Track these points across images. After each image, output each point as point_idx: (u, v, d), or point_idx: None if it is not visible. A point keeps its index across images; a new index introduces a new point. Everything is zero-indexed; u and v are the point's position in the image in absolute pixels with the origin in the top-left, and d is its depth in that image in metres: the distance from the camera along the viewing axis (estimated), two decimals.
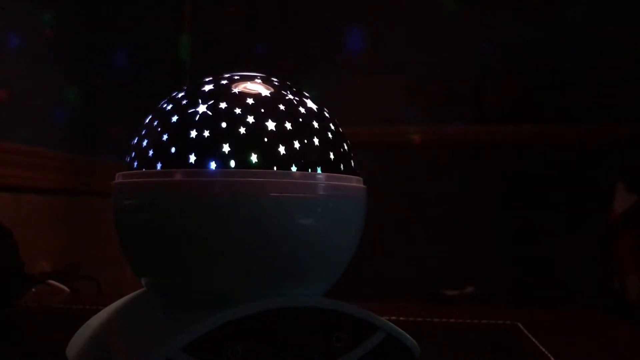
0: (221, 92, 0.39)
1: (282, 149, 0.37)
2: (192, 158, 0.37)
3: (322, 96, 0.43)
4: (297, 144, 0.38)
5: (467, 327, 0.64)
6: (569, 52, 1.76)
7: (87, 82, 1.50)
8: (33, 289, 0.79)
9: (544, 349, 0.53)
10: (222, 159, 0.36)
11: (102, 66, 1.56)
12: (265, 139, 0.37)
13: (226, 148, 0.37)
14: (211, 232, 0.36)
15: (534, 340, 0.57)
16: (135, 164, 0.40)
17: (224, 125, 0.37)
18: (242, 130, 0.37)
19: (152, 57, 1.72)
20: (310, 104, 0.41)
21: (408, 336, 0.41)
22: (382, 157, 1.76)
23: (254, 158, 0.37)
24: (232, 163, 0.36)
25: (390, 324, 0.41)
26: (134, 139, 0.41)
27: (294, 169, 0.37)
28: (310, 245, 0.38)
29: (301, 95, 0.41)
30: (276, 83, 0.41)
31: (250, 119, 0.37)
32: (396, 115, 1.85)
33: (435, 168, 1.82)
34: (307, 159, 0.38)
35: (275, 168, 0.37)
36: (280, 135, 0.37)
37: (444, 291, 1.71)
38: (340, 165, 0.40)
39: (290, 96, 0.40)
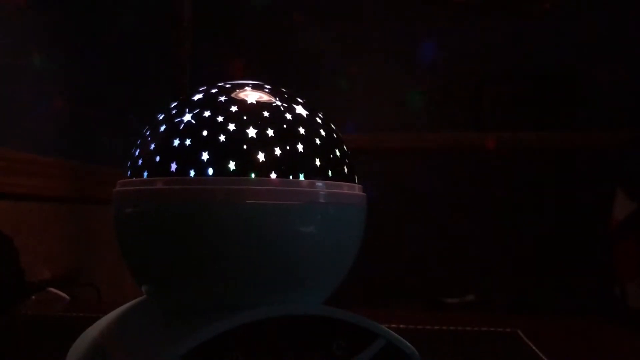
0: (207, 101, 0.39)
1: (261, 156, 0.37)
2: (174, 166, 0.37)
3: (310, 100, 0.42)
4: (277, 151, 0.37)
5: (467, 335, 0.64)
6: (569, 58, 1.77)
7: (89, 89, 1.50)
8: (33, 297, 0.79)
9: (544, 357, 0.53)
10: (201, 167, 0.36)
11: (104, 74, 1.56)
12: (245, 146, 0.37)
13: (205, 156, 0.37)
14: (191, 242, 0.36)
15: (533, 347, 0.57)
16: (129, 172, 0.40)
17: (204, 133, 0.37)
18: (222, 138, 0.37)
19: (157, 65, 1.72)
20: (299, 110, 0.40)
21: (408, 344, 0.41)
22: (382, 162, 1.77)
23: (232, 165, 0.36)
24: (210, 171, 0.36)
25: (391, 331, 0.40)
26: (133, 148, 0.41)
27: (273, 175, 0.37)
28: (294, 253, 0.37)
29: (291, 102, 0.40)
30: (267, 90, 0.41)
31: (231, 127, 0.37)
32: (396, 121, 1.85)
33: (435, 174, 1.82)
34: (289, 165, 0.37)
35: (254, 175, 0.36)
36: (260, 142, 0.37)
37: (444, 299, 1.71)
38: (327, 172, 0.39)
39: (278, 103, 0.39)
